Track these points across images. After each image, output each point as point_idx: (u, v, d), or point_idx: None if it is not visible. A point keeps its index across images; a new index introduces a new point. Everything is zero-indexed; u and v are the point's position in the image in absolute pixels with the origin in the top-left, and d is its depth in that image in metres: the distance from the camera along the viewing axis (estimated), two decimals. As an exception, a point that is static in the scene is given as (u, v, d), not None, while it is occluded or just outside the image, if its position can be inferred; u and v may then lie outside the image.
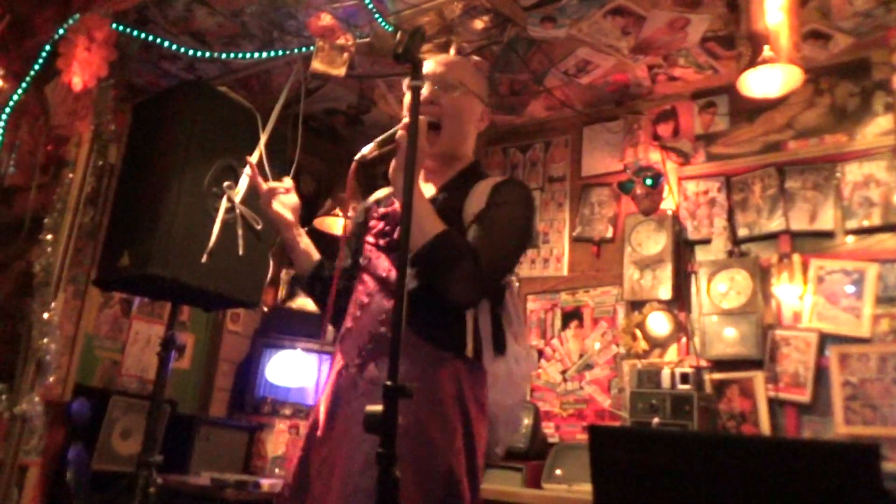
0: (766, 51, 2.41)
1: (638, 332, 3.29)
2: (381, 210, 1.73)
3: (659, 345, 3.24)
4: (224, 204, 2.28)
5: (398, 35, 1.35)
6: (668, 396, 2.86)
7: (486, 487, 2.25)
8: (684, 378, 2.93)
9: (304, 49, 2.98)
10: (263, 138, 2.41)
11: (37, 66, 2.90)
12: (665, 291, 3.25)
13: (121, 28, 2.85)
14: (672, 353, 3.20)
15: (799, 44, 2.47)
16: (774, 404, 2.92)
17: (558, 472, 3.02)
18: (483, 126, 1.77)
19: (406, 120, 1.50)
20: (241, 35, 3.18)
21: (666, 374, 2.98)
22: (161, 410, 2.36)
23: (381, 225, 1.70)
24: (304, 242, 1.83)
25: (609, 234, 3.55)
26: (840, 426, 2.74)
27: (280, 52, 3.08)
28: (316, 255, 1.83)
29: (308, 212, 4.16)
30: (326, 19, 2.81)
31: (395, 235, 1.63)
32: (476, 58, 2.08)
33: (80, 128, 2.74)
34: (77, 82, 2.70)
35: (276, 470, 3.70)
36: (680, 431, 2.68)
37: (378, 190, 1.86)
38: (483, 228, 1.55)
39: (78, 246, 2.71)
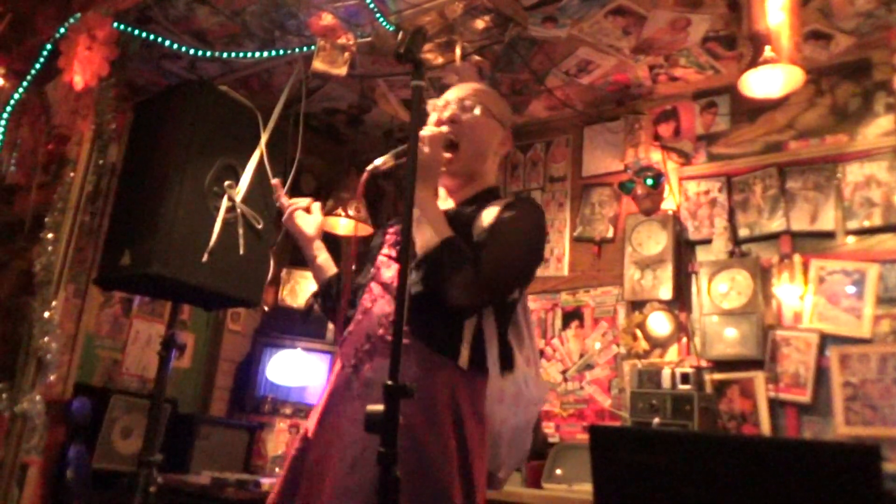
0: (768, 51, 2.41)
1: (638, 332, 3.29)
2: (398, 226, 1.74)
3: (659, 345, 3.24)
4: (225, 203, 2.28)
5: (399, 35, 1.35)
6: (669, 396, 2.86)
7: (486, 487, 2.24)
8: (685, 378, 2.93)
9: (305, 48, 2.98)
10: (264, 138, 2.41)
11: (38, 65, 2.90)
12: (666, 291, 3.25)
13: (122, 27, 2.85)
14: (672, 354, 3.20)
15: (800, 44, 2.47)
16: (775, 404, 2.92)
17: (558, 471, 3.02)
18: (504, 151, 1.81)
19: (423, 133, 1.54)
20: (242, 34, 3.18)
21: (666, 374, 2.98)
22: (161, 409, 2.36)
23: (394, 238, 1.71)
24: (322, 258, 1.89)
25: (610, 234, 3.55)
26: (840, 427, 2.74)
27: (281, 52, 3.08)
28: (331, 271, 1.88)
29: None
30: (327, 19, 2.81)
31: None
32: (477, 57, 2.09)
33: (81, 127, 2.74)
34: (78, 81, 2.70)
35: (277, 469, 3.70)
36: (680, 431, 2.68)
37: (383, 198, 1.88)
38: (490, 240, 1.57)
39: (79, 245, 2.71)
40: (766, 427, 2.90)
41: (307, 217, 1.90)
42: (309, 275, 4.32)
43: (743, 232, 3.18)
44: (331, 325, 4.21)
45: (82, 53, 2.72)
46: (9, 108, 2.93)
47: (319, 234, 1.90)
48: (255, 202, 2.39)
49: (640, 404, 2.91)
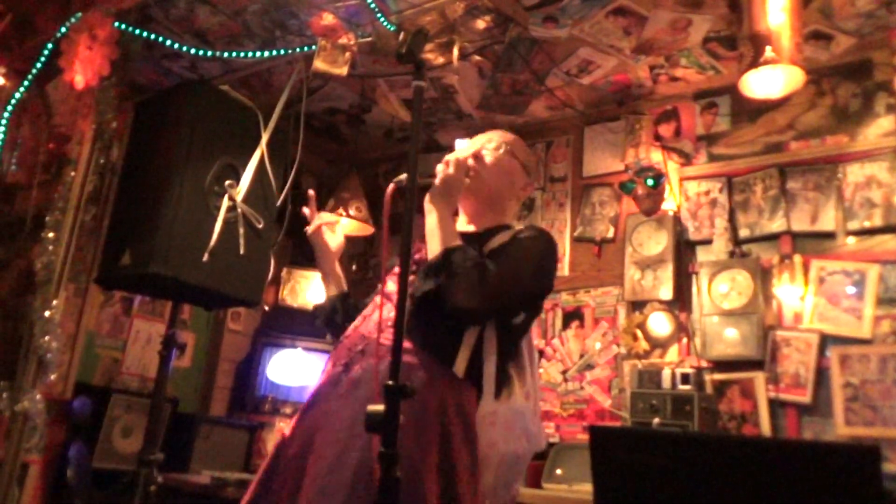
0: (768, 51, 2.41)
1: (639, 333, 3.29)
2: (416, 256, 1.75)
3: (660, 345, 3.24)
4: (225, 203, 2.28)
5: (400, 35, 1.36)
6: (669, 397, 2.86)
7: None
8: (685, 378, 2.93)
9: (305, 48, 2.98)
10: (265, 137, 2.41)
11: (39, 65, 2.90)
12: (666, 292, 3.25)
13: (123, 27, 2.85)
14: (673, 354, 3.20)
15: (801, 44, 2.47)
16: (775, 405, 2.92)
17: (558, 471, 3.02)
18: (524, 196, 1.87)
19: (448, 157, 1.62)
20: (243, 34, 3.18)
21: (666, 374, 2.98)
22: (162, 409, 2.37)
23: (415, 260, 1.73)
24: (335, 276, 1.92)
25: (610, 235, 3.55)
26: (840, 427, 2.74)
27: (282, 52, 3.08)
28: (341, 289, 1.91)
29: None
30: (328, 18, 2.81)
31: (418, 256, 1.70)
32: (478, 57, 2.10)
33: (81, 126, 2.74)
34: (79, 81, 2.70)
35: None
36: (680, 432, 2.68)
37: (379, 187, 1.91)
38: (499, 254, 1.62)
39: (79, 244, 2.71)
40: (766, 427, 2.90)
41: (330, 234, 1.94)
42: (309, 274, 4.34)
43: (743, 232, 3.18)
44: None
45: (83, 53, 2.72)
46: (10, 108, 2.93)
47: (339, 253, 1.94)
48: (256, 202, 2.39)
49: (641, 404, 2.91)
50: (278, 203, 2.50)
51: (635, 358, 3.26)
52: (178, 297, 2.44)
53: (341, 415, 1.48)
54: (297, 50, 3.04)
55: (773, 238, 3.10)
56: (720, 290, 3.10)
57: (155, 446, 2.27)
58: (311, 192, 2.01)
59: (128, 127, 2.56)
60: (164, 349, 2.36)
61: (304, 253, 4.04)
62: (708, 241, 3.25)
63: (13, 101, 2.93)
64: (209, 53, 3.12)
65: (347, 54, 2.80)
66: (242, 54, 3.13)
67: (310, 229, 1.92)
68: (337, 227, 1.96)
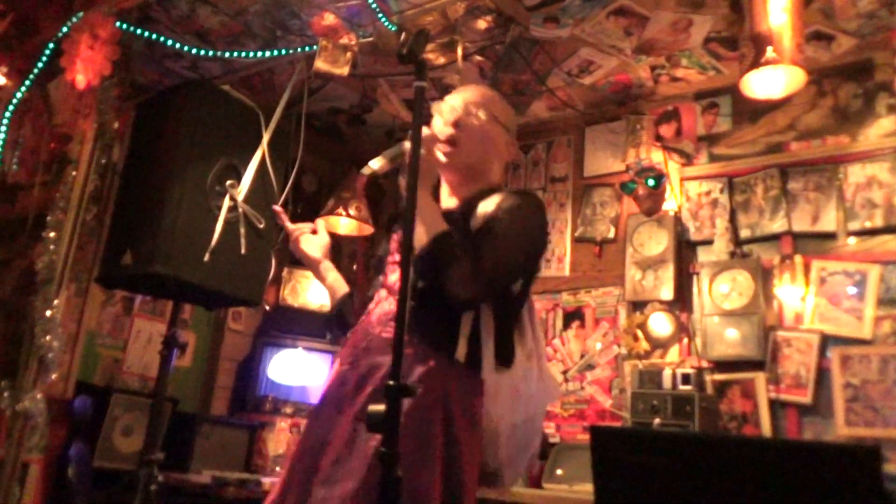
0: (769, 52, 2.40)
1: (639, 333, 3.29)
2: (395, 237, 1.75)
3: (660, 345, 3.24)
4: (226, 202, 2.28)
5: (401, 35, 1.36)
6: (670, 397, 2.86)
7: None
8: (685, 379, 2.93)
9: (307, 48, 2.98)
10: (266, 137, 2.41)
11: (40, 64, 2.90)
12: (667, 292, 3.25)
13: (124, 26, 2.85)
14: (673, 354, 3.20)
15: (802, 45, 2.47)
16: (775, 405, 2.92)
17: (559, 471, 3.02)
18: (509, 157, 1.80)
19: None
20: (244, 34, 3.18)
21: (667, 374, 2.98)
22: (163, 408, 2.37)
23: (398, 244, 1.71)
24: (332, 278, 1.87)
25: (611, 235, 3.55)
26: (841, 428, 2.74)
27: (283, 52, 3.08)
28: (342, 290, 1.86)
29: (310, 210, 4.18)
30: (330, 19, 2.82)
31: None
32: (479, 58, 2.09)
33: (83, 126, 2.74)
34: (80, 80, 2.70)
35: (277, 468, 3.71)
36: (681, 432, 2.68)
37: (384, 197, 1.88)
38: (487, 230, 1.55)
39: (80, 244, 2.71)
40: (766, 428, 2.90)
41: (313, 239, 1.89)
42: (310, 274, 4.33)
43: (744, 233, 3.18)
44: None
45: (85, 52, 2.72)
46: (11, 107, 2.94)
47: (327, 254, 1.89)
48: (257, 202, 2.39)
49: (641, 405, 2.92)
50: (279, 203, 2.50)
51: (636, 358, 3.26)
52: (179, 296, 2.44)
53: (350, 411, 1.49)
54: (299, 50, 3.04)
55: (773, 238, 3.10)
56: (721, 290, 3.10)
57: (155, 446, 2.27)
58: (276, 207, 2.00)
59: (129, 127, 2.57)
60: (164, 349, 2.36)
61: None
62: (709, 242, 3.25)
63: (15, 101, 2.93)
64: (210, 53, 3.12)
65: (349, 54, 2.80)
66: (244, 54, 3.14)
67: (290, 244, 1.89)
68: (318, 226, 1.91)
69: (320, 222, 1.94)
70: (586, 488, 2.71)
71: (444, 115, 1.71)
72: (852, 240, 2.95)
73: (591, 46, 3.18)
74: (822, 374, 2.85)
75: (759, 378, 2.95)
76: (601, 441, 1.32)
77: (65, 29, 2.87)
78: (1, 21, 2.99)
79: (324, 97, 3.80)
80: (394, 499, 1.11)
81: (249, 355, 4.17)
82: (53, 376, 2.58)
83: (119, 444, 3.26)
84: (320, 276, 1.88)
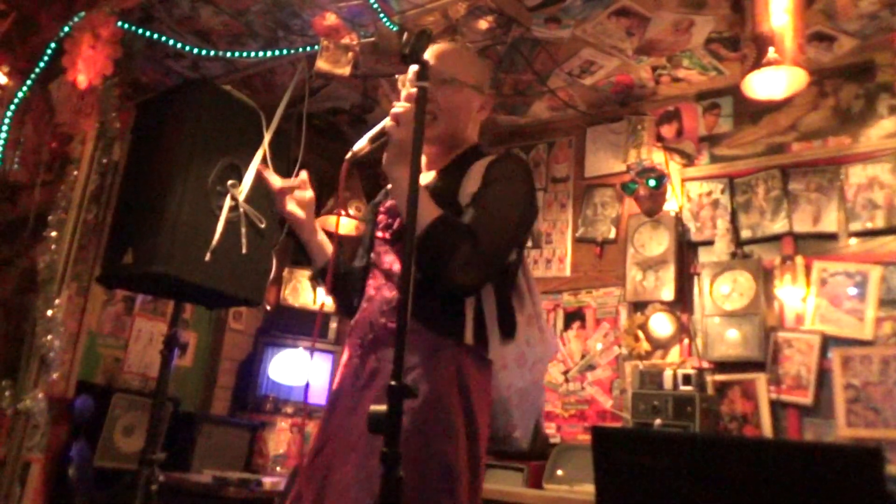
0: (771, 52, 2.40)
1: (640, 333, 3.29)
2: (387, 204, 1.73)
3: (661, 346, 3.24)
4: (228, 202, 2.28)
5: (403, 35, 1.35)
6: (670, 398, 2.86)
7: (487, 487, 2.25)
8: (686, 379, 2.93)
9: (308, 48, 2.98)
10: (267, 137, 2.41)
11: (42, 64, 2.90)
12: (668, 293, 3.25)
13: (126, 26, 2.86)
14: (674, 355, 3.20)
15: (803, 46, 2.47)
16: (776, 406, 2.92)
17: (560, 472, 3.02)
18: (484, 115, 1.75)
19: (394, 111, 1.51)
20: (245, 34, 3.18)
21: (668, 375, 2.98)
22: (163, 408, 2.37)
23: (384, 218, 1.70)
24: (319, 238, 1.84)
25: (612, 235, 3.55)
26: (842, 429, 2.74)
27: (284, 52, 3.08)
28: (327, 250, 1.83)
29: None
30: (331, 19, 2.82)
31: (396, 226, 1.64)
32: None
33: (84, 125, 2.75)
34: (82, 80, 2.70)
35: (278, 468, 3.71)
36: (682, 433, 2.68)
37: (381, 186, 1.87)
38: (480, 208, 1.52)
39: (82, 243, 2.71)
40: (767, 429, 2.90)
41: (298, 197, 1.82)
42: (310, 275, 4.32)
43: (745, 233, 3.18)
44: (333, 325, 4.21)
45: (86, 52, 2.72)
46: (13, 107, 2.94)
47: (312, 209, 1.83)
48: (258, 201, 2.39)
49: (642, 405, 2.91)
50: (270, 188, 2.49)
51: (637, 359, 3.26)
52: (180, 296, 2.44)
53: (364, 407, 1.49)
54: (300, 50, 3.04)
55: (774, 239, 3.10)
56: (722, 291, 3.10)
57: (156, 445, 2.27)
58: (259, 165, 1.92)
59: (130, 126, 2.56)
60: (165, 348, 2.36)
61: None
62: (710, 242, 3.25)
63: (16, 101, 2.93)
64: (212, 53, 3.13)
65: (350, 54, 2.80)
66: (245, 54, 3.14)
67: (277, 204, 1.82)
68: (304, 180, 1.84)
69: (303, 173, 1.86)
70: (587, 489, 2.71)
71: (409, 86, 1.64)
72: (853, 241, 2.95)
73: (593, 47, 3.18)
74: (823, 375, 2.85)
75: (760, 379, 2.95)
76: (602, 442, 1.32)
77: (66, 28, 2.87)
78: (2, 21, 3.00)
79: (325, 97, 3.80)
80: (394, 499, 1.10)
81: (250, 355, 4.17)
82: (54, 376, 2.58)
83: (120, 444, 3.26)
84: (307, 239, 1.82)
